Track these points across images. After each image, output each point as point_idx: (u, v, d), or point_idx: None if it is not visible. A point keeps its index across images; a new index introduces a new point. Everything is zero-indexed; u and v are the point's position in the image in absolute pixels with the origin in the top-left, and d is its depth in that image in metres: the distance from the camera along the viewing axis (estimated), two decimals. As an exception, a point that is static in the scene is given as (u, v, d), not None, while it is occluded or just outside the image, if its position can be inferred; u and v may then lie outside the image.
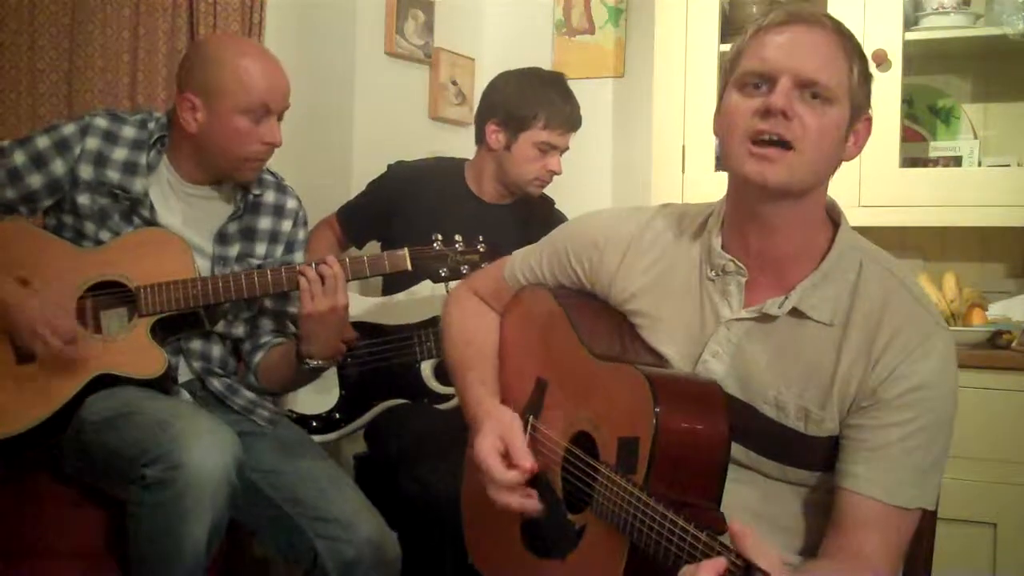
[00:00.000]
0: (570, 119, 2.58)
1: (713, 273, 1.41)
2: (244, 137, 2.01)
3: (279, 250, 2.20)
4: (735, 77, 1.35)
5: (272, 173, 2.24)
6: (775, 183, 1.30)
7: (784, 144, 1.30)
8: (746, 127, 1.31)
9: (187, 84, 2.03)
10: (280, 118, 2.06)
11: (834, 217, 1.41)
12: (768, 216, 1.35)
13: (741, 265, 1.39)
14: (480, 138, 2.62)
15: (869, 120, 1.38)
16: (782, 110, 1.29)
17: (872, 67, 2.70)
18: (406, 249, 2.10)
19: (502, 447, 1.45)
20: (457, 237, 2.13)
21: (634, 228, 1.52)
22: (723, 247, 1.41)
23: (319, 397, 2.51)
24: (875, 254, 1.40)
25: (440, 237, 2.12)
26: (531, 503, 1.44)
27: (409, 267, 2.10)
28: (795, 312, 1.36)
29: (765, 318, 1.37)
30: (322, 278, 2.00)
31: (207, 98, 2.00)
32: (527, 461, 1.43)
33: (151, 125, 2.09)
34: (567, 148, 2.62)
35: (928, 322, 1.34)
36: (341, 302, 2.01)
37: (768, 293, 1.38)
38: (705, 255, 1.43)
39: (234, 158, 2.03)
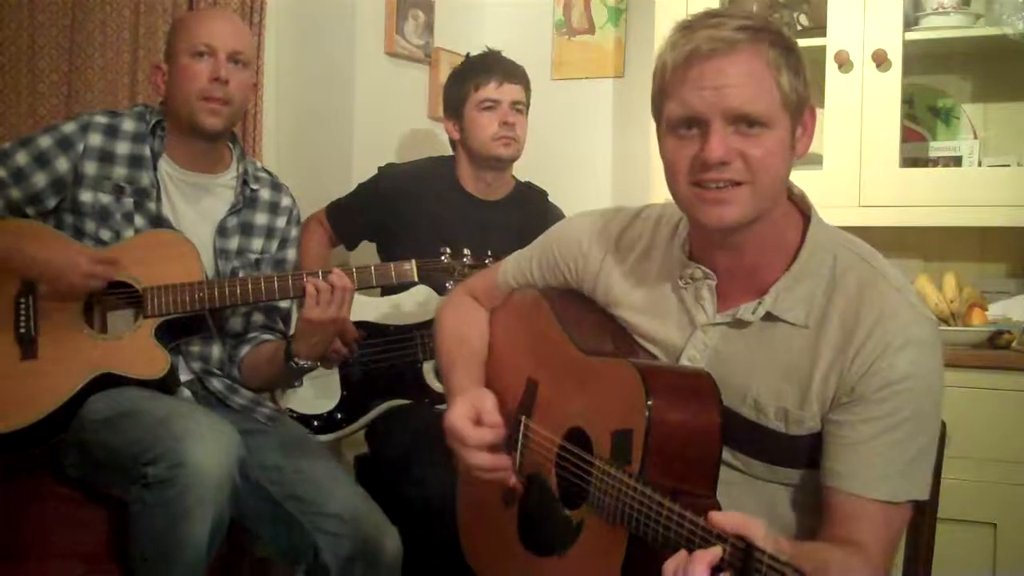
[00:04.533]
0: (497, 67, 2.61)
1: (683, 282, 1.41)
2: (192, 75, 2.07)
3: (274, 246, 2.23)
4: (665, 123, 1.32)
5: (267, 171, 2.28)
6: (733, 221, 1.29)
7: (733, 182, 1.28)
8: (689, 175, 1.30)
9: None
10: (236, 63, 2.09)
11: (803, 209, 1.39)
12: (732, 241, 1.34)
13: (709, 271, 1.38)
14: (451, 144, 2.69)
15: (812, 109, 1.35)
16: (720, 160, 1.26)
17: (872, 67, 2.69)
18: (413, 261, 2.13)
19: (474, 414, 1.47)
20: (465, 251, 2.18)
21: (614, 231, 1.52)
22: (692, 254, 1.41)
23: (321, 397, 2.51)
24: (849, 244, 1.38)
25: (448, 250, 2.17)
26: (502, 461, 1.45)
27: (416, 279, 2.14)
28: (769, 316, 1.35)
29: (740, 323, 1.37)
30: (332, 288, 2.02)
31: (168, 59, 2.14)
32: (498, 422, 1.45)
33: (148, 116, 2.13)
34: (519, 101, 2.61)
35: (906, 312, 1.31)
36: (344, 314, 2.05)
37: (742, 296, 1.37)
38: (675, 261, 1.43)
39: (189, 99, 2.08)
